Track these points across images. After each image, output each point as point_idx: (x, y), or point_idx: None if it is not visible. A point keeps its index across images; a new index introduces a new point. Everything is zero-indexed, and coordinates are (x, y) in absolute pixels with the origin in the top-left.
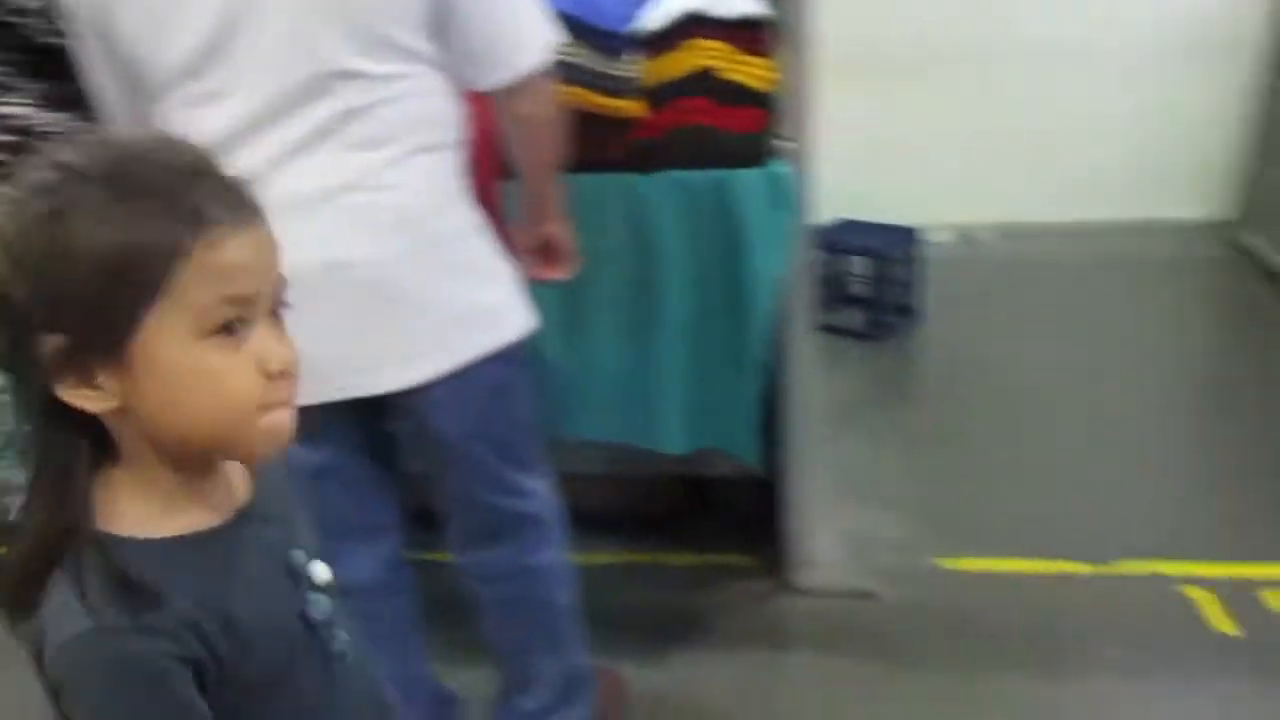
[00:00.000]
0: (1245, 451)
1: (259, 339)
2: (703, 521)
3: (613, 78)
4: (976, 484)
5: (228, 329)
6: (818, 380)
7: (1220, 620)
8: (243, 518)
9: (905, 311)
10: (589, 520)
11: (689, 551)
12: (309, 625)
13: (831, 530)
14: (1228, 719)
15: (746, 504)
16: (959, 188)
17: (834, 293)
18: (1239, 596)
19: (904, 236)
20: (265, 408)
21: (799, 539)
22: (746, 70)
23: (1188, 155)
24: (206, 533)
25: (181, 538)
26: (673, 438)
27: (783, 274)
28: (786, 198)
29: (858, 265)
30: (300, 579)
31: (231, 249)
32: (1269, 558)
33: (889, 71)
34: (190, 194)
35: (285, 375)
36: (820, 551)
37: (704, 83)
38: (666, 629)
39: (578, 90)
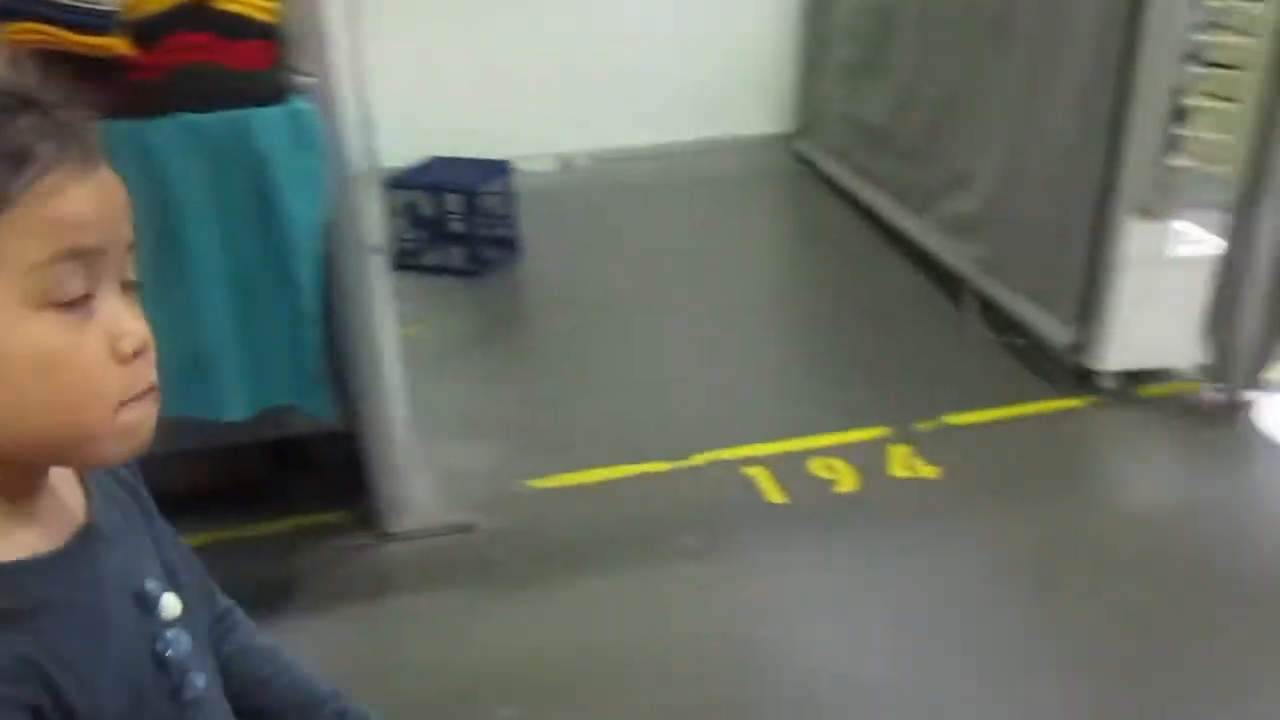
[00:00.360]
0: (803, 341)
1: (109, 311)
2: (299, 484)
3: (84, 11)
4: (571, 405)
5: (69, 302)
6: (430, 321)
7: (773, 492)
8: (84, 539)
9: (505, 244)
10: (163, 505)
11: (279, 518)
12: (160, 665)
13: (428, 471)
14: (775, 575)
15: (340, 459)
16: (555, 118)
17: (434, 232)
18: (789, 469)
19: (496, 169)
20: (125, 401)
21: (390, 486)
22: (244, 0)
23: (750, 75)
24: (43, 558)
25: (15, 564)
26: (232, 402)
27: (323, 215)
28: (312, 136)
29: (452, 202)
30: (151, 611)
31: (70, 197)
32: (814, 430)
33: (462, 7)
34: (12, 129)
35: (141, 356)
36: (415, 494)
37: (199, 15)
38: (255, 602)
39: (45, 28)
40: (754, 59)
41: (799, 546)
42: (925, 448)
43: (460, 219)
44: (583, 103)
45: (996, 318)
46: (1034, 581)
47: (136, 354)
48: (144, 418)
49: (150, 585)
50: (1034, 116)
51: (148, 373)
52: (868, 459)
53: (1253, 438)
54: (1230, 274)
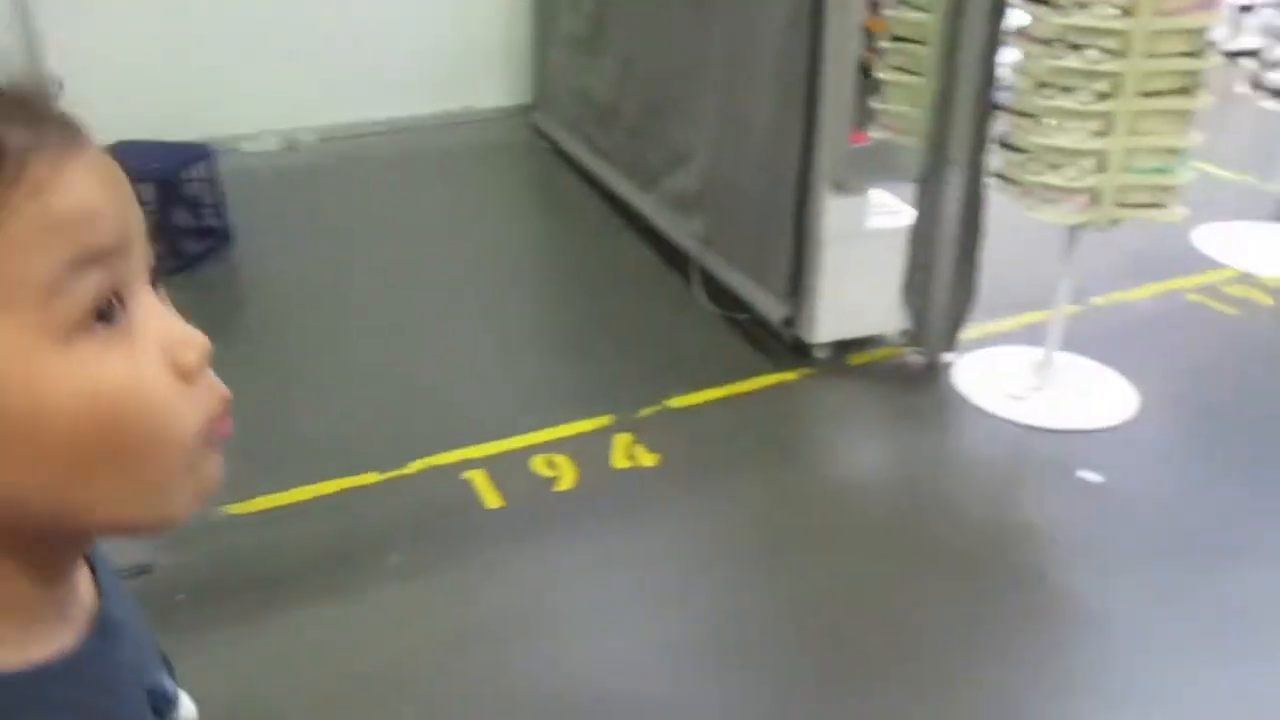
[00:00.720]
0: (535, 326)
1: (153, 318)
2: None
3: None
4: (281, 414)
5: (101, 313)
6: None
7: (491, 497)
8: (101, 629)
9: (212, 236)
10: None
11: None
12: None
13: None
14: (488, 586)
15: None
16: (276, 94)
17: None
18: (510, 469)
19: (196, 153)
20: (204, 429)
21: None
22: None
23: (484, 46)
24: (68, 658)
25: (44, 667)
26: None
27: None
28: None
29: (145, 191)
30: (166, 715)
31: (68, 186)
32: (539, 425)
33: None
34: None
35: (203, 368)
36: None
37: None
38: None
39: None
40: (487, 29)
41: (513, 554)
42: (646, 434)
43: (155, 209)
44: (307, 77)
45: (721, 294)
46: (752, 560)
47: (200, 365)
48: (218, 460)
49: (167, 683)
50: (738, 94)
51: (219, 385)
52: (590, 451)
53: (951, 399)
54: (921, 242)
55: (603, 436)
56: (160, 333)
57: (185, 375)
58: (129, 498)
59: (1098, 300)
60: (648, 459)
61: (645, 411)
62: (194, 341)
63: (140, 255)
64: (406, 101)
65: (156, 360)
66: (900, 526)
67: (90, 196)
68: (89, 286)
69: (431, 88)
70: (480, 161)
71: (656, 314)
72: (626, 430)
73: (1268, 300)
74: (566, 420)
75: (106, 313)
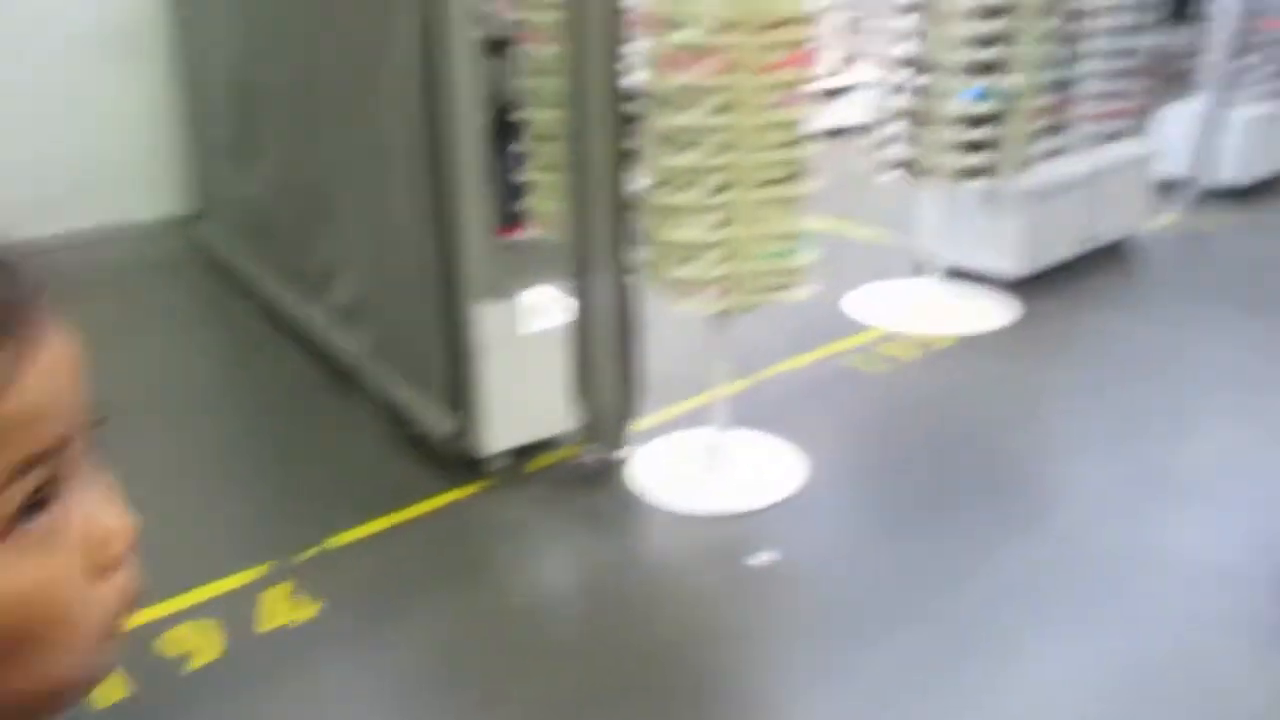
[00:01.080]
0: (180, 466)
1: (82, 510)
2: None
3: None
4: None
5: (36, 506)
6: None
7: (110, 691)
8: None
9: None
10: None
11: None
12: None
13: None
14: None
15: None
16: None
17: None
18: (136, 650)
19: None
20: (116, 623)
21: None
22: None
23: (131, 156)
24: None
25: None
26: None
27: None
28: None
29: None
30: None
31: (26, 385)
32: (179, 589)
33: None
34: None
35: (120, 561)
36: None
37: None
38: None
39: None
40: (129, 138)
41: None
42: (308, 580)
43: None
44: None
45: (391, 412)
46: (433, 703)
47: (125, 553)
48: (121, 642)
49: None
50: (380, 206)
51: (131, 580)
52: (240, 613)
53: (628, 496)
54: (581, 340)
55: (255, 591)
56: (84, 530)
57: (101, 573)
58: (23, 692)
59: (762, 374)
60: (307, 611)
61: (307, 553)
62: (116, 538)
63: (81, 441)
64: (37, 221)
65: (74, 560)
66: (586, 641)
67: (46, 394)
68: (20, 490)
69: (65, 203)
70: (128, 280)
71: (323, 439)
72: (285, 579)
73: (914, 354)
74: (214, 578)
75: (32, 509)
